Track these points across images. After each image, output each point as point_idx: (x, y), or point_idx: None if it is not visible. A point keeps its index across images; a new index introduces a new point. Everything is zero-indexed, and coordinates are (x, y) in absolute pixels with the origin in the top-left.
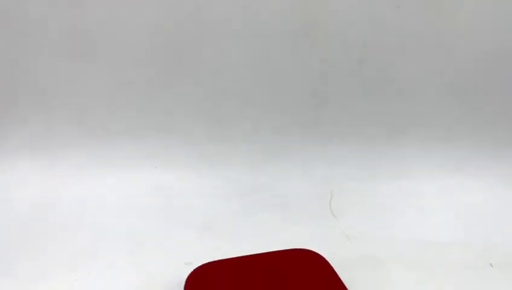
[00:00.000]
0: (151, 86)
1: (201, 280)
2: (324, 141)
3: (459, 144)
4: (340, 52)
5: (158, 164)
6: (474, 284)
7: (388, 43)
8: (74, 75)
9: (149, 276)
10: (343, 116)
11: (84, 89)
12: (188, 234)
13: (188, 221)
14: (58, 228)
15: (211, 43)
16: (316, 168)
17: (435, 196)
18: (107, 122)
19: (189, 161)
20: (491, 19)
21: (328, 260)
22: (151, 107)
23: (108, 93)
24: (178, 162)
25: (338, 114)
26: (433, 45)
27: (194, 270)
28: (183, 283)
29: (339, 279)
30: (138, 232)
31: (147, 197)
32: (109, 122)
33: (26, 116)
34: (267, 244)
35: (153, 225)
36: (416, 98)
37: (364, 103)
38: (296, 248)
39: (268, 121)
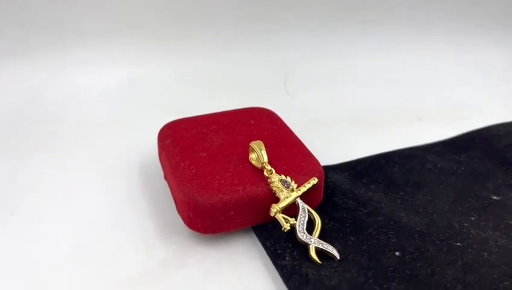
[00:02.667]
0: None
1: (173, 130)
2: (277, 29)
3: (394, 23)
4: None
5: (130, 59)
6: (404, 133)
7: None
8: None
9: (129, 145)
10: (293, 6)
11: None
12: (160, 115)
13: (160, 105)
14: (45, 118)
15: None
16: (271, 54)
17: (375, 71)
18: (80, 24)
19: (157, 55)
20: None
21: None
22: (120, 8)
23: None
24: (147, 56)
25: (288, 4)
26: None
27: (166, 124)
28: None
29: (287, 126)
30: (116, 117)
31: (122, 88)
32: (82, 25)
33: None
34: None
35: (129, 110)
36: None
37: None
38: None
39: (225, 14)
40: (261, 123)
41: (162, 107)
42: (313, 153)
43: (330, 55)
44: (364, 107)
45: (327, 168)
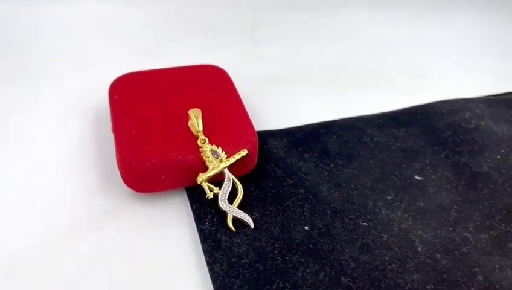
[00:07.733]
0: None
1: (122, 86)
2: None
3: None
4: None
5: None
6: (357, 99)
7: None
8: None
9: (91, 85)
10: None
11: None
12: (124, 54)
13: (125, 44)
14: (10, 48)
15: None
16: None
17: (345, 27)
18: None
19: None
20: None
21: (234, 76)
22: None
23: None
24: None
25: None
26: None
27: (117, 78)
28: None
29: (235, 90)
30: (82, 52)
31: (90, 25)
32: None
33: None
34: (190, 63)
35: (95, 46)
36: None
37: None
38: (206, 64)
39: None
40: (211, 85)
41: (128, 45)
42: (252, 121)
43: (298, 7)
44: (327, 65)
45: (267, 134)
